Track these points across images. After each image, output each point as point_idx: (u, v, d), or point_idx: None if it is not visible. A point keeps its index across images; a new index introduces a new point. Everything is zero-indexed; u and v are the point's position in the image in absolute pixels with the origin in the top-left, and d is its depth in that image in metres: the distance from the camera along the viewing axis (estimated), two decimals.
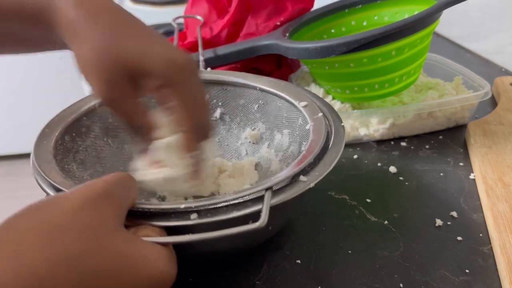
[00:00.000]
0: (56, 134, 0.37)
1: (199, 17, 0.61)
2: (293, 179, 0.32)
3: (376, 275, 0.37)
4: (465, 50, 0.87)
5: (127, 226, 0.28)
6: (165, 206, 0.29)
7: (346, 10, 0.61)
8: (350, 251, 0.39)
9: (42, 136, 0.37)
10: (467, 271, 0.37)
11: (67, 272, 0.21)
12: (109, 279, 0.22)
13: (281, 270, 0.38)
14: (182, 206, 0.29)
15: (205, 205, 0.29)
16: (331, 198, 0.46)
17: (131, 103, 0.32)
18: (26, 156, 1.95)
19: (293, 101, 0.42)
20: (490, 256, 0.39)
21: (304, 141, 0.40)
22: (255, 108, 0.46)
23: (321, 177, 0.32)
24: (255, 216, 0.28)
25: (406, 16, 0.57)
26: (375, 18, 0.60)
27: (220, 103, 0.48)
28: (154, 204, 0.29)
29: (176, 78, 0.31)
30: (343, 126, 0.39)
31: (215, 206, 0.29)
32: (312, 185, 0.31)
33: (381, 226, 0.42)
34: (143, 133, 0.33)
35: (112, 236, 0.24)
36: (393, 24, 0.46)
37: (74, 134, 0.40)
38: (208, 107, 0.34)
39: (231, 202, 0.30)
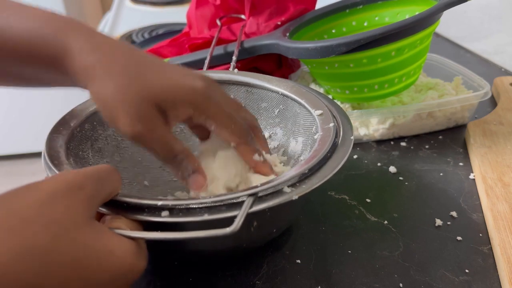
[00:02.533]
0: (75, 121, 0.38)
1: (243, 16, 0.61)
2: (278, 189, 0.31)
3: (376, 275, 0.37)
4: (464, 50, 0.88)
5: (103, 215, 0.28)
6: (143, 201, 0.29)
7: (347, 11, 0.61)
8: (350, 251, 0.39)
9: (61, 123, 0.38)
10: (467, 271, 0.37)
11: (29, 263, 0.21)
12: (72, 271, 0.23)
13: (281, 270, 0.38)
14: (159, 203, 0.29)
15: (183, 205, 0.29)
16: (331, 198, 0.46)
17: (165, 132, 0.32)
18: (26, 156, 1.96)
19: (310, 108, 0.41)
20: (490, 256, 0.39)
21: (311, 151, 0.39)
22: (276, 113, 0.46)
23: (306, 191, 0.31)
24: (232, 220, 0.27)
25: (407, 16, 0.57)
26: (376, 18, 0.60)
27: (243, 105, 0.47)
28: (133, 198, 0.29)
29: (205, 104, 0.33)
30: (352, 140, 0.37)
31: (195, 206, 0.29)
32: (295, 197, 0.30)
33: (381, 226, 0.42)
34: (182, 161, 0.33)
35: (78, 230, 0.24)
36: (392, 25, 0.46)
37: (95, 123, 0.40)
38: (241, 112, 0.36)
39: (213, 204, 0.29)
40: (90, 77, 0.31)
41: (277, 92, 0.45)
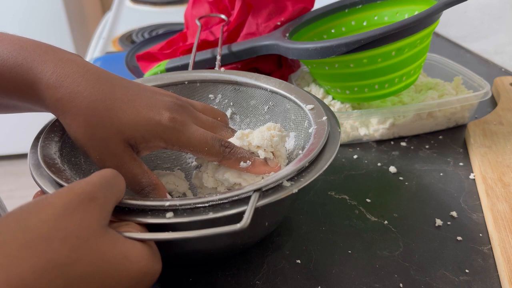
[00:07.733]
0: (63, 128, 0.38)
1: (223, 16, 0.61)
2: (279, 183, 0.31)
3: (376, 275, 0.37)
4: (464, 50, 0.88)
5: (110, 221, 0.28)
6: (149, 203, 0.29)
7: (346, 10, 0.61)
8: (350, 251, 0.39)
9: (52, 129, 0.37)
10: (467, 271, 0.37)
11: (52, 279, 0.21)
12: (93, 281, 0.23)
13: (281, 270, 0.38)
14: (167, 203, 0.29)
15: (189, 204, 0.29)
16: (331, 198, 0.46)
17: (133, 167, 0.33)
18: (26, 156, 1.96)
19: (300, 103, 0.42)
20: (490, 256, 0.39)
21: (307, 145, 0.40)
22: (265, 110, 0.46)
23: (305, 184, 0.31)
24: (239, 217, 0.27)
25: (406, 16, 0.57)
26: (375, 18, 0.60)
27: (231, 103, 0.47)
28: (139, 200, 0.29)
29: (174, 137, 0.34)
30: (339, 132, 0.38)
31: (201, 205, 0.29)
32: (295, 190, 0.30)
33: (381, 226, 0.42)
34: (149, 194, 0.34)
35: (95, 240, 0.24)
36: (393, 25, 0.46)
37: None
38: (213, 136, 0.35)
39: (217, 202, 0.29)
40: (60, 111, 0.32)
41: (266, 89, 0.45)
